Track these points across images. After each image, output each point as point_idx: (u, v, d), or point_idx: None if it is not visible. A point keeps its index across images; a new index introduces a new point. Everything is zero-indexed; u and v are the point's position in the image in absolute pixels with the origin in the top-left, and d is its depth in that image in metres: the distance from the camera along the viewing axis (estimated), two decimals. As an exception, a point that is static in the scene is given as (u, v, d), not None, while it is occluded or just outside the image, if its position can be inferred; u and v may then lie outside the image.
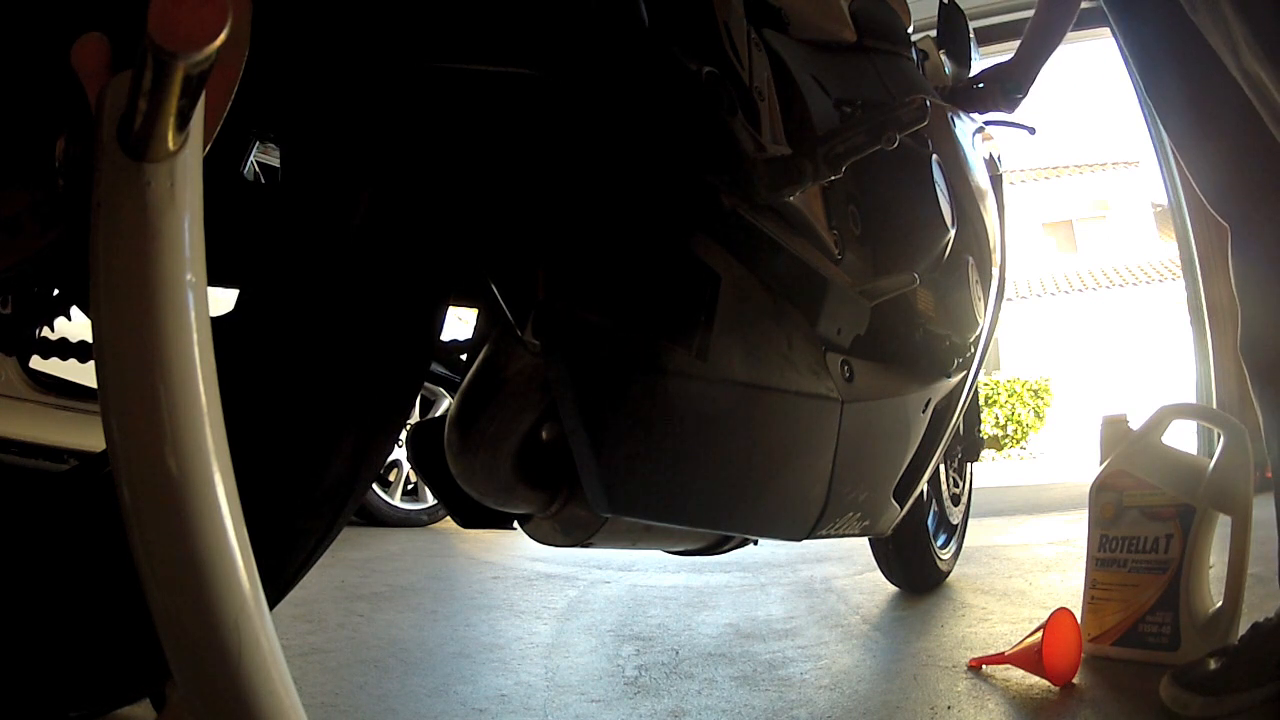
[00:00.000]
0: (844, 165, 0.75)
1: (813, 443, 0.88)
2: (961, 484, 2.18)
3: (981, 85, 1.62)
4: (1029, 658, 1.21)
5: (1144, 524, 1.36)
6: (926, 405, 1.15)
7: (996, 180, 1.62)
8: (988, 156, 1.62)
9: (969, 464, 2.21)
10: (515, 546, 2.79)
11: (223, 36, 0.34)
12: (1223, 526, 1.32)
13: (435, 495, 0.86)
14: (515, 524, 0.86)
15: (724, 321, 0.73)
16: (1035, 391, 13.74)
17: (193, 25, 0.34)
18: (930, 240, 1.06)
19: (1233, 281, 1.23)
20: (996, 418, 13.43)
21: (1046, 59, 1.60)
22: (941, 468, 2.02)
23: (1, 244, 0.58)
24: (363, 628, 1.61)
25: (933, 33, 1.72)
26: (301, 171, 0.66)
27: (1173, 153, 4.13)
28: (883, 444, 1.06)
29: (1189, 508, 1.32)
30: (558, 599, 1.96)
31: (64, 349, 0.77)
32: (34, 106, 0.59)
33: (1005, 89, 1.60)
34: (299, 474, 0.66)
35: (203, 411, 0.39)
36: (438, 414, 2.31)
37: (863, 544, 2.16)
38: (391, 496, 3.32)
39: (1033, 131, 1.84)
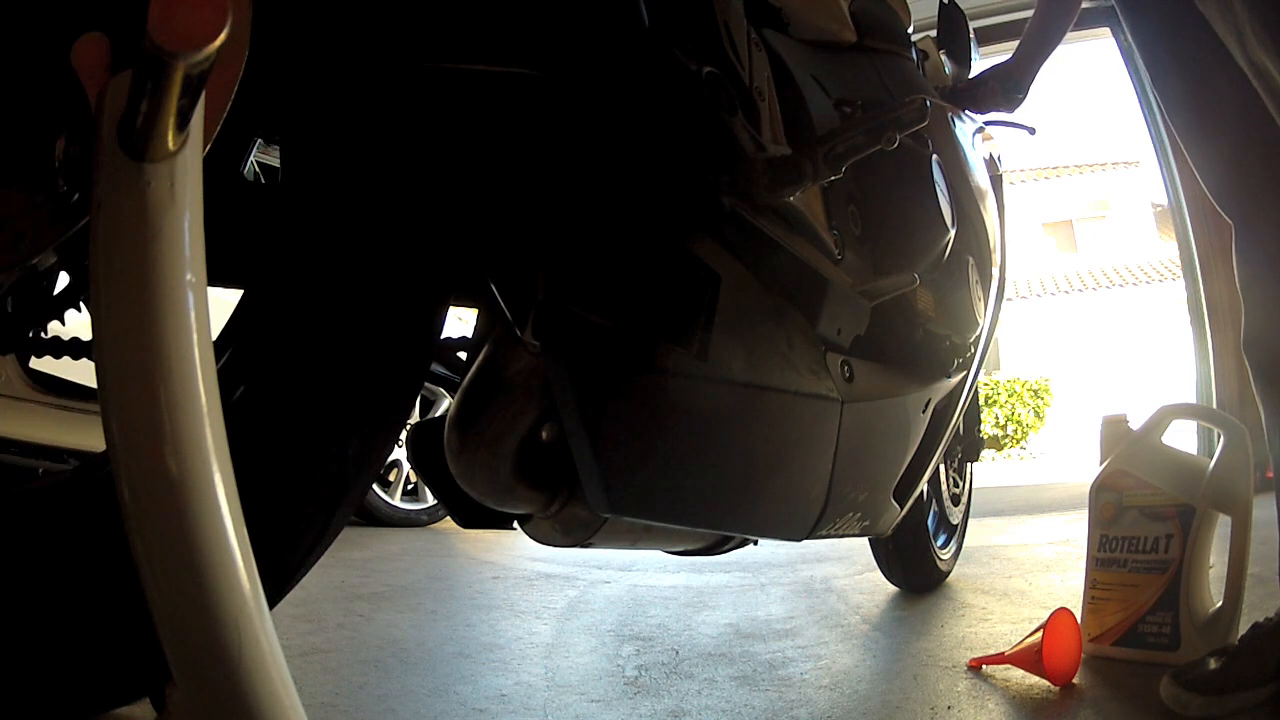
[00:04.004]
0: (844, 165, 0.75)
1: (813, 443, 0.88)
2: (961, 484, 2.18)
3: (981, 85, 1.61)
4: (1029, 658, 1.21)
5: (1144, 524, 1.36)
6: (926, 405, 1.15)
7: (996, 180, 1.62)
8: (988, 156, 1.62)
9: (969, 464, 2.21)
10: (515, 546, 2.79)
11: (223, 36, 0.34)
12: (1223, 526, 1.32)
13: (435, 495, 0.86)
14: (515, 524, 0.86)
15: (724, 321, 0.73)
16: (1035, 391, 13.73)
17: (193, 25, 0.34)
18: (930, 240, 1.06)
19: (1236, 279, 1.23)
20: (996, 418, 13.42)
21: (1046, 58, 1.60)
22: (941, 468, 2.02)
23: (2, 244, 0.58)
24: (363, 628, 1.61)
25: (933, 33, 1.72)
26: (301, 171, 0.66)
27: (1173, 152, 4.14)
28: (883, 444, 1.06)
29: (1189, 508, 1.32)
30: (558, 599, 1.96)
31: (64, 349, 0.77)
32: (34, 106, 0.59)
33: (1005, 89, 1.60)
34: (299, 474, 0.66)
35: (203, 411, 0.39)
36: (438, 414, 2.31)
37: (863, 544, 2.16)
38: (391, 496, 3.32)
39: (1033, 131, 1.84)
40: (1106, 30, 3.96)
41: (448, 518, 3.31)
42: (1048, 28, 1.57)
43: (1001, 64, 1.62)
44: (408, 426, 0.82)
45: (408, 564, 2.48)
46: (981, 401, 3.69)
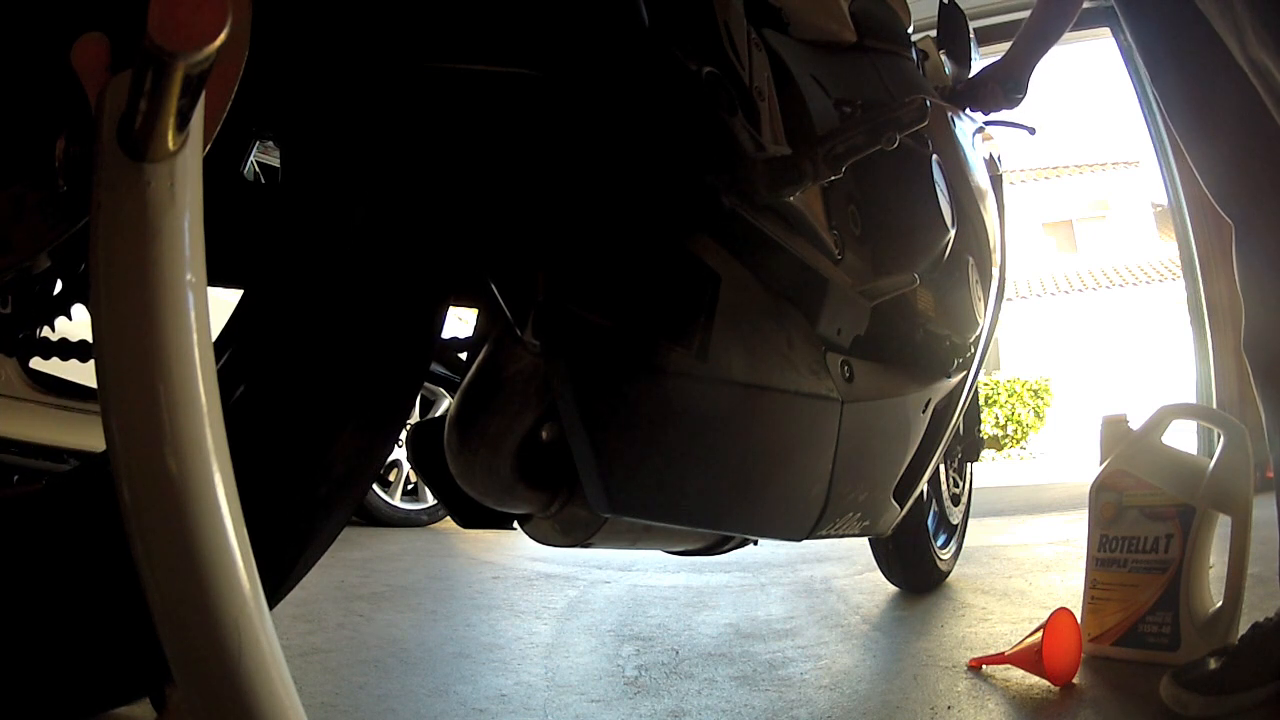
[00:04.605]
0: (844, 165, 0.75)
1: (813, 443, 0.88)
2: (961, 484, 2.18)
3: (981, 85, 1.61)
4: (1029, 658, 1.21)
5: (1144, 524, 1.36)
6: (926, 405, 1.15)
7: (996, 180, 1.62)
8: (988, 156, 1.62)
9: (969, 464, 2.21)
10: (515, 546, 2.79)
11: (223, 36, 0.34)
12: (1223, 526, 1.32)
13: (435, 495, 0.86)
14: (515, 524, 0.86)
15: (724, 321, 0.73)
16: (1035, 391, 13.73)
17: (193, 25, 0.34)
18: (930, 240, 1.06)
19: (1236, 279, 1.23)
20: (996, 418, 13.42)
21: (1043, 55, 1.60)
22: (941, 468, 2.02)
23: (1, 243, 0.58)
24: (363, 628, 1.61)
25: (933, 33, 1.72)
26: (301, 171, 0.66)
27: (1173, 152, 4.13)
28: (883, 444, 1.06)
29: (1189, 508, 1.32)
30: (558, 599, 1.96)
31: (64, 349, 0.77)
32: (34, 106, 0.59)
33: (1005, 89, 1.60)
34: (299, 474, 0.66)
35: (203, 411, 0.39)
36: (438, 414, 2.31)
37: (863, 544, 2.16)
38: (391, 496, 3.32)
39: (1033, 131, 1.84)
40: (1106, 30, 3.96)
41: (448, 518, 3.31)
42: (1047, 26, 1.57)
43: (1000, 62, 1.62)
44: (408, 426, 0.82)
45: (408, 564, 2.48)
46: (981, 401, 3.69)
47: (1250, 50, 1.01)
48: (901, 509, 1.19)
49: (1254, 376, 1.24)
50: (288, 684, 0.40)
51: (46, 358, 0.74)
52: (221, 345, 0.66)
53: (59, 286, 0.72)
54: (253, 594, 0.39)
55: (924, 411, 1.15)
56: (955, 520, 2.12)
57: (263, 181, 1.03)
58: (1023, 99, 1.63)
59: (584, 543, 0.81)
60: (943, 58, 1.68)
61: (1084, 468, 5.20)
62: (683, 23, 0.74)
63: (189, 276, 0.39)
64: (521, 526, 0.85)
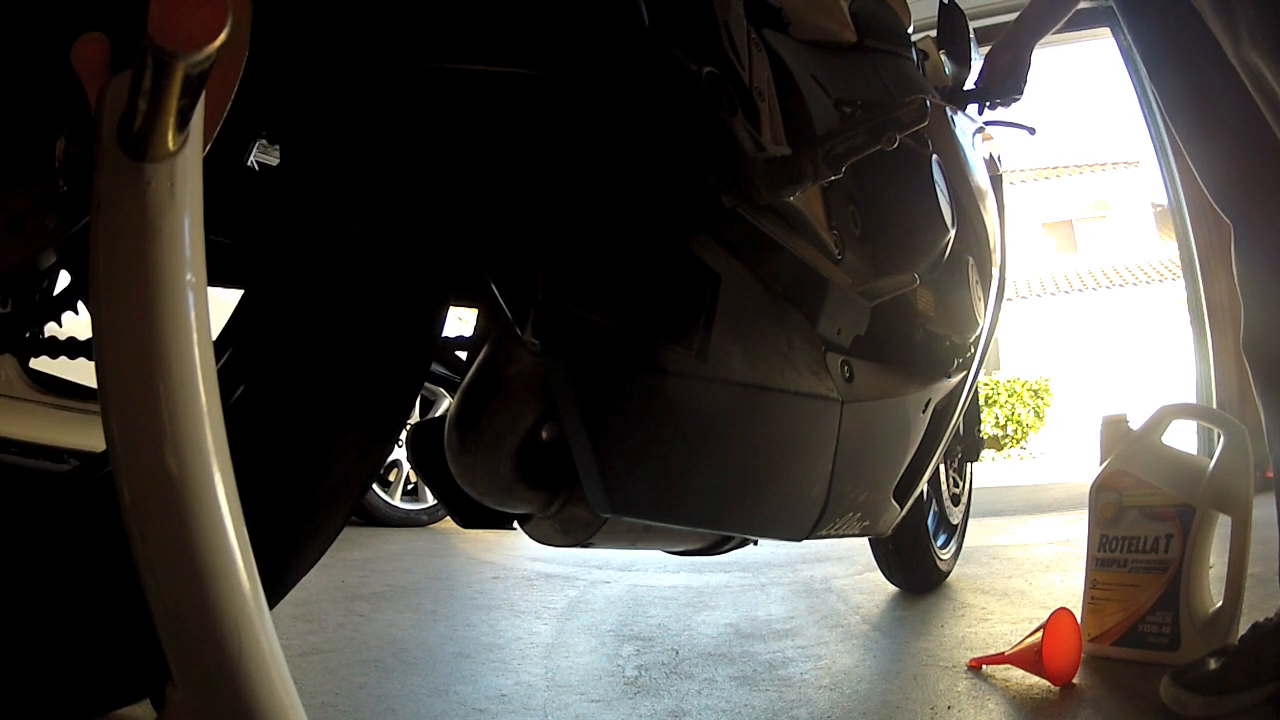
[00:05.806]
0: (844, 165, 0.75)
1: (813, 443, 0.88)
2: (961, 484, 2.18)
3: (979, 85, 1.62)
4: (1029, 658, 1.21)
5: (1144, 524, 1.36)
6: (926, 405, 1.15)
7: (996, 180, 1.62)
8: (988, 156, 1.62)
9: (969, 464, 2.21)
10: (515, 546, 2.79)
11: (223, 36, 0.34)
12: (1223, 526, 1.32)
13: (435, 495, 0.86)
14: (515, 524, 0.86)
15: (724, 321, 0.73)
16: (1035, 391, 13.73)
17: (193, 25, 0.34)
18: (930, 240, 1.06)
19: (1236, 280, 1.23)
20: (996, 418, 13.42)
21: (1034, 47, 1.61)
22: (941, 468, 2.02)
23: (2, 244, 0.58)
24: (363, 628, 1.61)
25: (933, 33, 1.72)
26: (302, 172, 0.66)
27: (1173, 152, 4.13)
28: (883, 444, 1.06)
29: (1189, 508, 1.32)
30: (558, 599, 1.96)
31: (64, 349, 0.77)
32: (34, 106, 0.59)
33: (1005, 89, 1.60)
34: (299, 474, 0.66)
35: (203, 411, 0.39)
36: (438, 414, 2.31)
37: (863, 544, 2.16)
38: (391, 496, 3.32)
39: (1033, 131, 1.84)
40: (1106, 30, 3.96)
41: (448, 518, 3.31)
42: (1041, 21, 1.57)
43: (995, 59, 1.62)
44: (408, 426, 0.82)
45: (408, 564, 2.48)
46: (981, 401, 3.69)
47: (1244, 52, 1.01)
48: (901, 509, 1.19)
49: (1253, 376, 1.24)
50: (288, 684, 0.41)
51: (54, 357, 0.74)
52: (221, 345, 0.66)
53: (59, 286, 0.72)
54: (253, 594, 0.39)
55: (924, 412, 1.15)
56: (955, 520, 2.12)
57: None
58: (1019, 99, 1.64)
59: (584, 543, 0.81)
60: (943, 58, 1.68)
61: (1084, 468, 5.21)
62: (683, 23, 0.74)
63: (189, 276, 0.39)
64: (521, 526, 0.85)
